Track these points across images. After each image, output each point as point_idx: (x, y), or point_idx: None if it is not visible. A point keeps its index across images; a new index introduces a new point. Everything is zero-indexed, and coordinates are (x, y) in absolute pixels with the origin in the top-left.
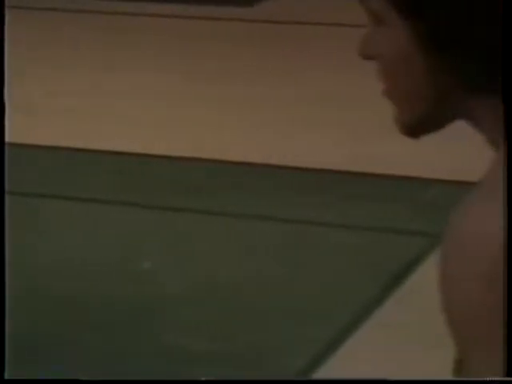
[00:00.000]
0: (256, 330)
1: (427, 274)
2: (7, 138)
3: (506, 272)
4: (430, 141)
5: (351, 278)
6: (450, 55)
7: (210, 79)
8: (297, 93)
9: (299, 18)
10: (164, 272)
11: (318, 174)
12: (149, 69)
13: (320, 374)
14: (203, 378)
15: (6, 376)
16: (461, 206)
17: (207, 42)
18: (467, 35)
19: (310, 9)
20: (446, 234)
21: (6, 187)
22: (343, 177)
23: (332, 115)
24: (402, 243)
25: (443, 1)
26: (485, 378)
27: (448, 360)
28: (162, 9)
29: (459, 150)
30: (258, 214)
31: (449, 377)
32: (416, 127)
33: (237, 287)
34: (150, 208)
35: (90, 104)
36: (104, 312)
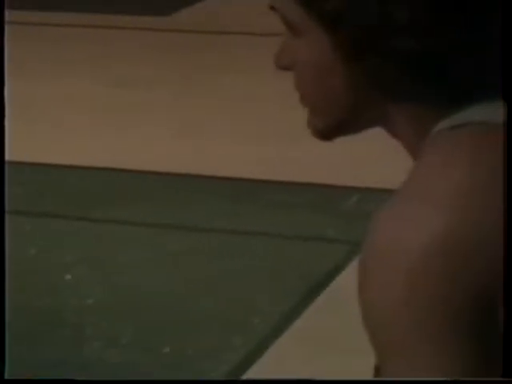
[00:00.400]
0: (176, 339)
1: (348, 281)
2: None
3: (506, 272)
4: (351, 148)
5: (272, 286)
6: (368, 63)
7: (124, 86)
8: (213, 102)
9: (215, 27)
10: (84, 283)
11: (236, 182)
12: (61, 77)
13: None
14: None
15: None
16: (380, 213)
17: (124, 50)
18: (385, 43)
19: (226, 18)
20: (365, 241)
21: None
22: (262, 185)
23: (250, 123)
24: (323, 251)
25: (361, 10)
26: (485, 378)
27: (368, 367)
28: (79, 18)
29: (379, 157)
30: (178, 223)
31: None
32: (331, 133)
33: (158, 297)
34: (69, 219)
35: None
36: (24, 324)
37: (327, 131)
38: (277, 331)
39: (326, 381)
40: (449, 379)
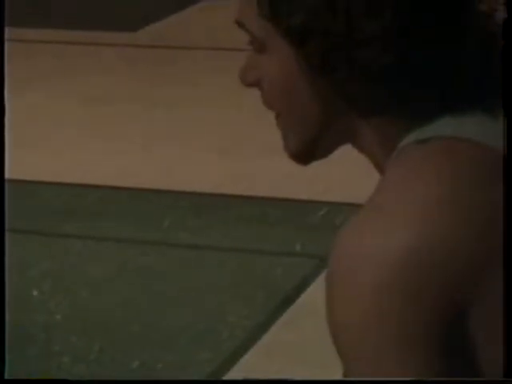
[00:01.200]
0: (145, 353)
1: (316, 295)
2: None
3: (506, 272)
4: (318, 163)
5: (241, 301)
6: (334, 77)
7: (90, 101)
8: (181, 116)
9: (182, 42)
10: (51, 299)
11: (204, 197)
12: (26, 91)
13: None
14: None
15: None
16: (345, 228)
17: (91, 65)
18: (351, 57)
19: (193, 33)
20: (330, 255)
21: None
22: (230, 200)
23: (218, 138)
24: (291, 265)
25: (327, 24)
26: (485, 378)
27: None
28: (43, 34)
29: (347, 172)
30: (146, 238)
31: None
32: (305, 153)
33: (126, 311)
34: (34, 234)
35: None
36: None
37: (302, 152)
38: (245, 345)
39: (324, 381)
40: (449, 379)
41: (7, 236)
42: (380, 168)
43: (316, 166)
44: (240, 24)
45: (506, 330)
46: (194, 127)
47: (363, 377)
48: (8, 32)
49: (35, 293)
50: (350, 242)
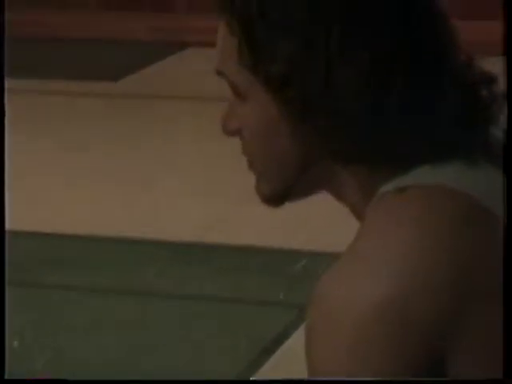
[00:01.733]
0: None
1: (297, 344)
2: None
3: (506, 271)
4: (300, 212)
5: (222, 350)
6: (313, 126)
7: (69, 150)
8: (161, 166)
9: (163, 92)
10: (32, 349)
11: (185, 246)
12: (6, 140)
13: None
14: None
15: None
16: (325, 276)
17: (70, 115)
18: (330, 105)
19: (173, 82)
20: (310, 304)
21: None
22: (211, 249)
23: (199, 188)
24: (272, 315)
25: (307, 73)
26: (485, 378)
27: None
28: (23, 83)
29: (327, 221)
30: (127, 288)
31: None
32: (278, 198)
33: (106, 362)
34: (15, 284)
35: None
36: None
37: (275, 197)
38: None
39: (325, 381)
40: (449, 379)
41: None
42: (359, 216)
43: (298, 215)
44: (220, 73)
45: (506, 330)
46: (174, 176)
47: None
48: None
49: (16, 343)
50: (329, 290)
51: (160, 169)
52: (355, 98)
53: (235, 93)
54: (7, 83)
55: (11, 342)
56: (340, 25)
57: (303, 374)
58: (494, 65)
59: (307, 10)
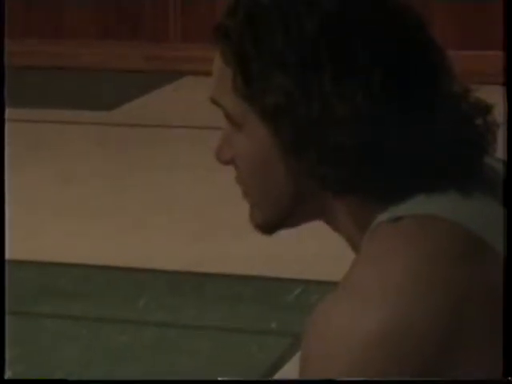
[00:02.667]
0: None
1: (291, 374)
2: None
3: (506, 271)
4: (294, 241)
5: (213, 379)
6: (308, 156)
7: (64, 181)
8: (155, 197)
9: (156, 121)
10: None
11: (179, 276)
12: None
13: None
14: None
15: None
16: (319, 306)
17: (63, 145)
18: (325, 135)
19: (168, 112)
20: (305, 332)
21: None
22: (204, 279)
23: (191, 218)
24: (266, 344)
25: (302, 104)
26: (485, 378)
27: None
28: (15, 113)
29: (322, 250)
30: (119, 317)
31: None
32: (271, 226)
33: None
34: (8, 314)
35: None
36: None
37: (268, 225)
38: None
39: (325, 381)
40: (449, 379)
41: None
42: (354, 246)
43: (292, 244)
44: (215, 102)
45: (506, 331)
46: (168, 205)
47: None
48: None
49: (9, 374)
50: (324, 318)
51: (154, 199)
52: (348, 134)
53: (230, 122)
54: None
55: (2, 373)
56: (332, 64)
57: None
58: (493, 93)
59: (298, 52)
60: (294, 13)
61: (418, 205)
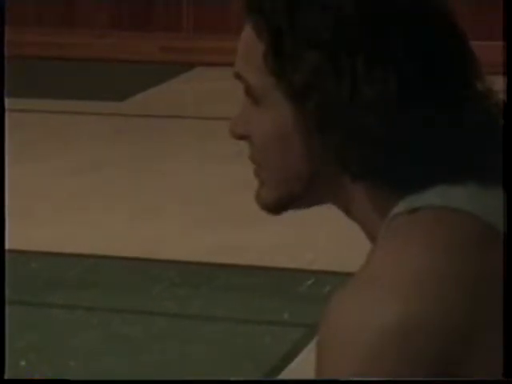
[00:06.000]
0: None
1: (304, 365)
2: None
3: (506, 271)
4: (306, 231)
5: (227, 371)
6: (329, 138)
7: (78, 171)
8: (167, 186)
9: (169, 111)
10: (38, 369)
11: (191, 266)
12: (14, 161)
13: None
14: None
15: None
16: (336, 295)
17: (77, 136)
18: (349, 119)
19: (180, 103)
20: (322, 322)
21: None
22: (216, 269)
23: (204, 208)
24: (279, 335)
25: (331, 85)
26: (485, 378)
27: None
28: (29, 103)
29: (335, 241)
30: (130, 307)
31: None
32: (280, 206)
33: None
34: (19, 304)
35: None
36: None
37: (277, 205)
38: None
39: (325, 381)
40: (449, 379)
41: None
42: (371, 236)
43: (304, 234)
44: (238, 75)
45: (506, 331)
46: (180, 197)
47: None
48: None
49: (22, 363)
50: (341, 309)
51: (166, 189)
52: (376, 117)
53: (251, 96)
54: (15, 104)
55: (17, 362)
56: (365, 49)
57: None
58: (494, 83)
59: (332, 32)
60: None
61: (435, 196)
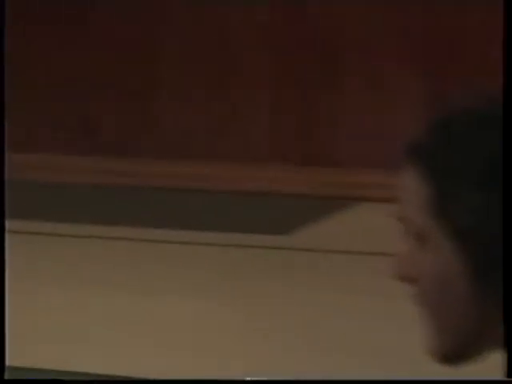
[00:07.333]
0: None
1: None
2: None
3: (506, 271)
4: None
5: None
6: (492, 281)
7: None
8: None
9: (334, 246)
10: None
11: None
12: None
13: None
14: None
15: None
16: None
17: (239, 269)
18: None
19: (342, 237)
20: None
21: None
22: None
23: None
24: None
25: (493, 228)
26: (485, 378)
27: None
28: (175, 236)
29: None
30: None
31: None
32: (456, 353)
33: None
34: None
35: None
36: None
37: (453, 352)
38: None
39: (325, 381)
40: (449, 379)
41: None
42: None
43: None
44: (402, 219)
45: (506, 331)
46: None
47: None
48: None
49: None
50: None
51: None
52: None
53: (415, 238)
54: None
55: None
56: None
57: None
58: None
59: (484, 173)
60: (485, 131)
61: None
